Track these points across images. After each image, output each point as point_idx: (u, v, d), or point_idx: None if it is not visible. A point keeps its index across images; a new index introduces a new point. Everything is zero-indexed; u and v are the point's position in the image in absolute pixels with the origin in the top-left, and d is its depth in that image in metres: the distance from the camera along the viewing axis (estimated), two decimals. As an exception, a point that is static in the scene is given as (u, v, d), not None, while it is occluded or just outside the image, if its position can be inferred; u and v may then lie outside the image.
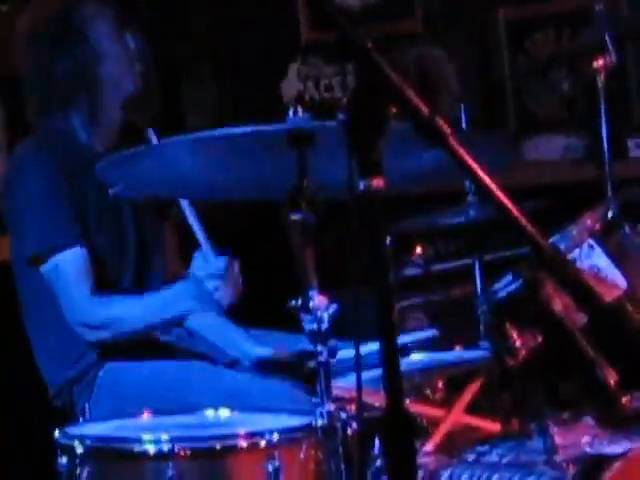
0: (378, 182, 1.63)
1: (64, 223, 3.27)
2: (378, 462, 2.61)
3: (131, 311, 3.30)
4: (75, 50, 3.32)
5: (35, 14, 3.71)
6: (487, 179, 1.68)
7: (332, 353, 2.40)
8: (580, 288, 2.38)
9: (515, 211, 1.71)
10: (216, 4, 5.72)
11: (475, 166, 1.67)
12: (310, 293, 2.39)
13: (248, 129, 2.40)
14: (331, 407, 2.37)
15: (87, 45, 3.32)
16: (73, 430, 2.57)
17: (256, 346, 3.32)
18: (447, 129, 1.63)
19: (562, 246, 2.72)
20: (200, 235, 3.29)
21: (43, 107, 3.42)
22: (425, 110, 1.63)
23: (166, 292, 3.36)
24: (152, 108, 3.51)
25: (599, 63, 3.29)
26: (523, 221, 1.71)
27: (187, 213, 3.30)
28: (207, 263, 3.27)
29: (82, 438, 2.48)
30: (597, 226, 2.73)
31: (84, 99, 3.33)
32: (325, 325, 2.37)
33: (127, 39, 3.39)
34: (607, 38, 3.30)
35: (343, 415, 2.42)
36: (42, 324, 3.39)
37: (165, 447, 2.40)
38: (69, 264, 3.26)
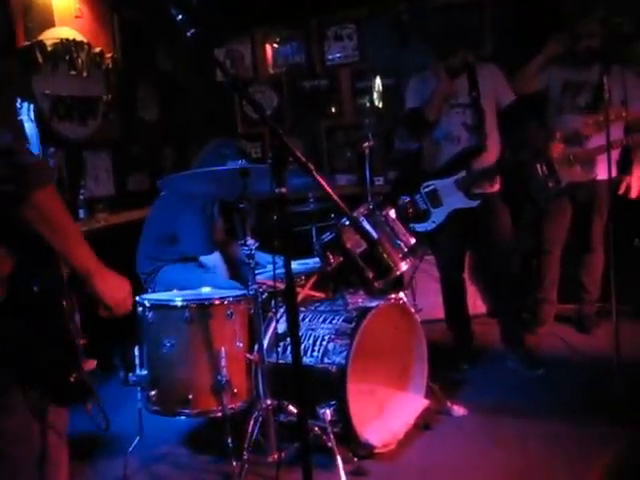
0: (283, 190, 1.68)
1: None
2: (274, 311, 2.76)
3: None
4: None
5: None
6: (327, 188, 1.77)
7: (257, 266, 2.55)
8: (361, 233, 2.69)
9: (339, 201, 1.85)
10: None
11: (323, 183, 1.75)
12: (247, 238, 2.49)
13: (223, 168, 2.51)
14: (255, 286, 2.51)
15: None
16: (144, 296, 2.68)
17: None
18: (312, 167, 1.73)
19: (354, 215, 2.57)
20: None
21: None
22: (303, 160, 1.71)
23: None
24: None
25: (366, 145, 3.19)
26: (341, 205, 1.88)
27: None
28: None
29: (148, 299, 2.61)
30: (365, 211, 2.67)
31: None
32: (253, 251, 2.49)
33: None
34: (369, 134, 3.23)
35: (260, 290, 2.56)
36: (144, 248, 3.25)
37: (184, 303, 2.54)
38: None
